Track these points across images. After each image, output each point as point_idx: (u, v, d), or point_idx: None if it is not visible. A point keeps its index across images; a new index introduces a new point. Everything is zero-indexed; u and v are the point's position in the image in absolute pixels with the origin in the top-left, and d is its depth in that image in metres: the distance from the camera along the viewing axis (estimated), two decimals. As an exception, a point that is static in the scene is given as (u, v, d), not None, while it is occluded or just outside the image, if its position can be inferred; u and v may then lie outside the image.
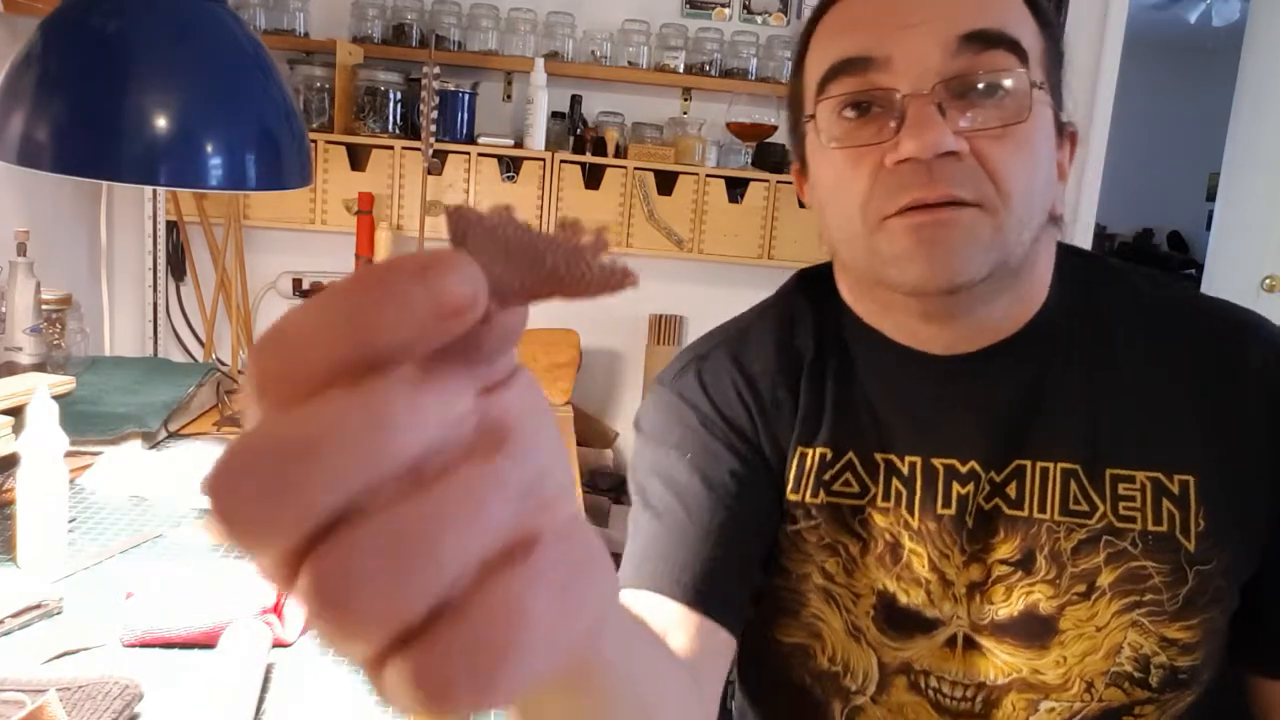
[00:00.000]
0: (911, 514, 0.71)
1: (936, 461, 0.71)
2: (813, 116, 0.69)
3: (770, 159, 2.66)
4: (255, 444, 0.20)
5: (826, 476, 0.73)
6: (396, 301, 0.21)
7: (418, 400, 0.21)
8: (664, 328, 2.77)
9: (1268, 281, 2.71)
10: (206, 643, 0.87)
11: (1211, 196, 3.50)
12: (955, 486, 0.70)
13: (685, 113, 2.75)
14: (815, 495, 0.73)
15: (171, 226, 2.61)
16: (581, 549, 0.24)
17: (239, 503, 0.20)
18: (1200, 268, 3.72)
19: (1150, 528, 0.68)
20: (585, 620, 0.24)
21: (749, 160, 2.69)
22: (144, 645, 0.88)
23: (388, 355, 0.21)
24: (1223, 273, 2.93)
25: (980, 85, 0.64)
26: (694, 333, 2.79)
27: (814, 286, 0.80)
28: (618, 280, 0.24)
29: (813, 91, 0.69)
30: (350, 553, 0.20)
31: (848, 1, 0.69)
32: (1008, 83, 0.64)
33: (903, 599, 0.71)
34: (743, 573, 0.71)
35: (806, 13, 0.80)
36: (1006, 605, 0.70)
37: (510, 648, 0.21)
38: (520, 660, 0.21)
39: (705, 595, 0.67)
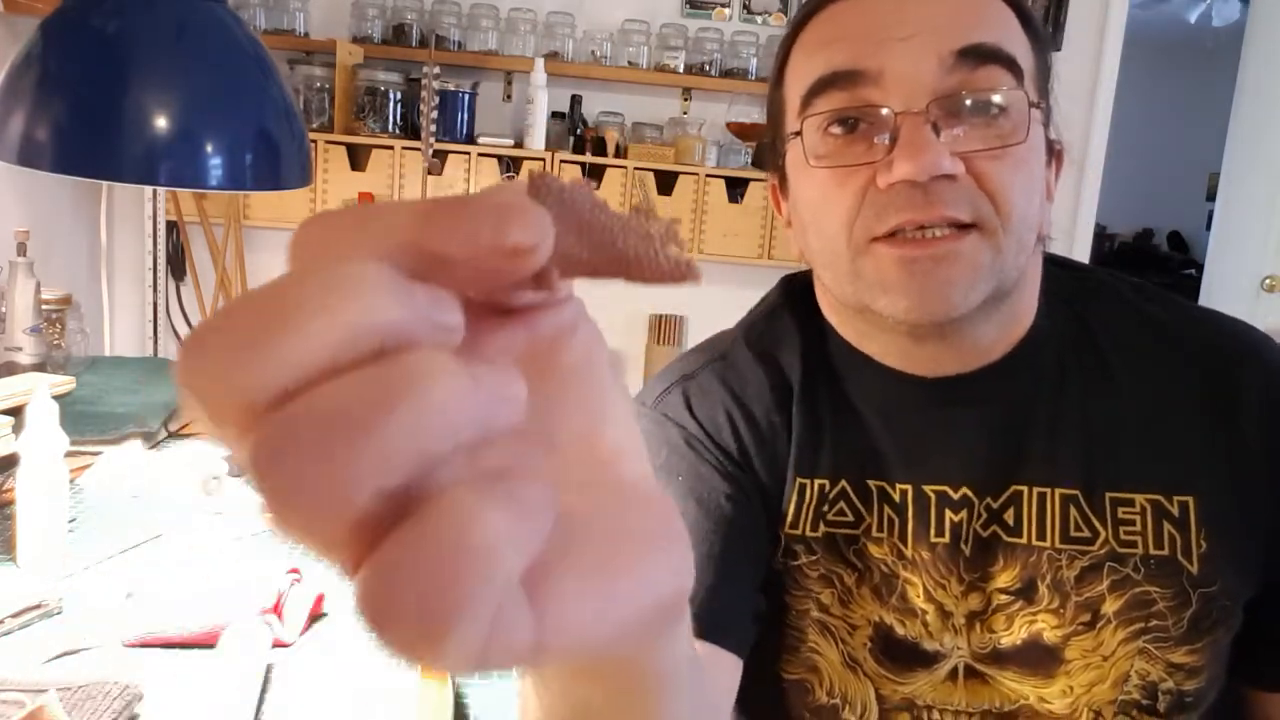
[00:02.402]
0: (904, 543, 0.69)
1: (928, 488, 0.68)
2: (798, 133, 0.65)
3: (770, 159, 2.67)
4: (239, 301, 0.19)
5: (824, 508, 0.70)
6: (463, 221, 0.21)
7: (398, 285, 0.20)
8: (664, 328, 2.78)
9: (1268, 281, 2.71)
10: (206, 643, 0.87)
11: (1211, 196, 3.50)
12: (948, 514, 0.68)
13: (685, 113, 2.75)
14: (815, 529, 0.70)
15: (171, 226, 2.61)
16: (619, 518, 0.22)
17: (200, 357, 0.19)
18: (1200, 268, 3.72)
19: (1152, 551, 0.66)
20: (608, 598, 0.21)
21: (749, 160, 2.69)
22: (144, 645, 0.88)
23: (431, 265, 0.21)
24: (1223, 273, 2.93)
25: (976, 103, 0.61)
26: (694, 333, 2.79)
27: (800, 300, 0.76)
28: (682, 273, 0.24)
29: (796, 106, 0.66)
30: (291, 418, 0.18)
31: (833, 10, 0.65)
32: (1004, 101, 0.61)
33: (899, 630, 0.69)
34: (745, 596, 0.68)
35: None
36: (1009, 634, 0.68)
37: (457, 559, 0.18)
38: (472, 582, 0.18)
39: (708, 623, 0.63)
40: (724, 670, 0.65)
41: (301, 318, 0.19)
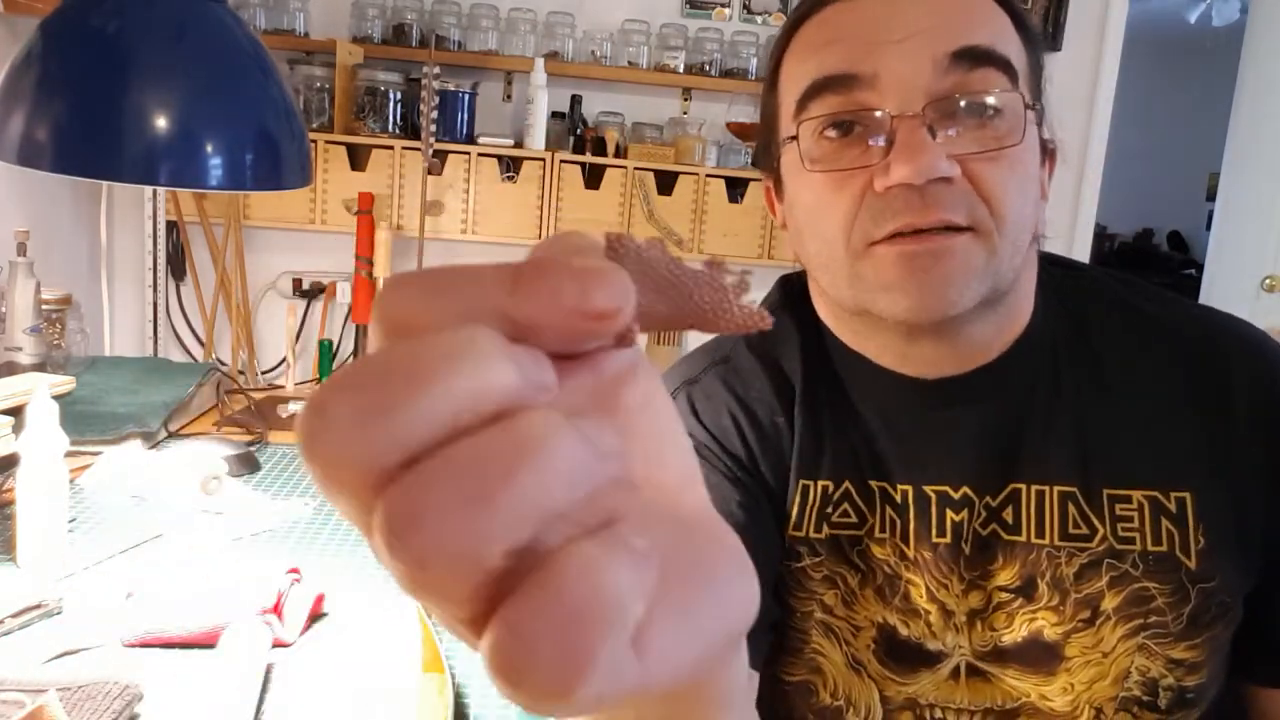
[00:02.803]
0: (907, 544, 0.69)
1: (928, 489, 0.69)
2: (793, 138, 0.65)
3: (770, 159, 2.67)
4: (356, 368, 0.20)
5: (828, 509, 0.70)
6: (547, 288, 0.21)
7: (507, 350, 0.21)
8: (664, 328, 2.78)
9: (1268, 281, 2.71)
10: (206, 643, 0.87)
11: (1211, 196, 3.50)
12: (949, 514, 0.68)
13: (685, 113, 2.75)
14: (819, 530, 0.70)
15: (171, 226, 2.61)
16: (693, 553, 0.23)
17: (326, 425, 0.20)
18: (1200, 268, 3.72)
19: (1150, 548, 0.66)
20: (693, 632, 0.22)
21: (749, 160, 2.69)
22: (144, 645, 0.88)
23: (518, 328, 0.22)
24: (1223, 273, 2.93)
25: (971, 105, 0.61)
26: (694, 332, 2.78)
27: (798, 300, 0.76)
28: (753, 322, 0.26)
29: (790, 110, 0.66)
30: (425, 480, 0.19)
31: (826, 14, 0.65)
32: (999, 103, 0.61)
33: (903, 631, 0.69)
34: (762, 608, 0.68)
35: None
36: (1010, 632, 0.68)
37: (591, 615, 0.19)
38: (604, 635, 0.19)
39: None
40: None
41: (427, 382, 0.20)
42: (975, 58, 0.61)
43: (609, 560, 0.20)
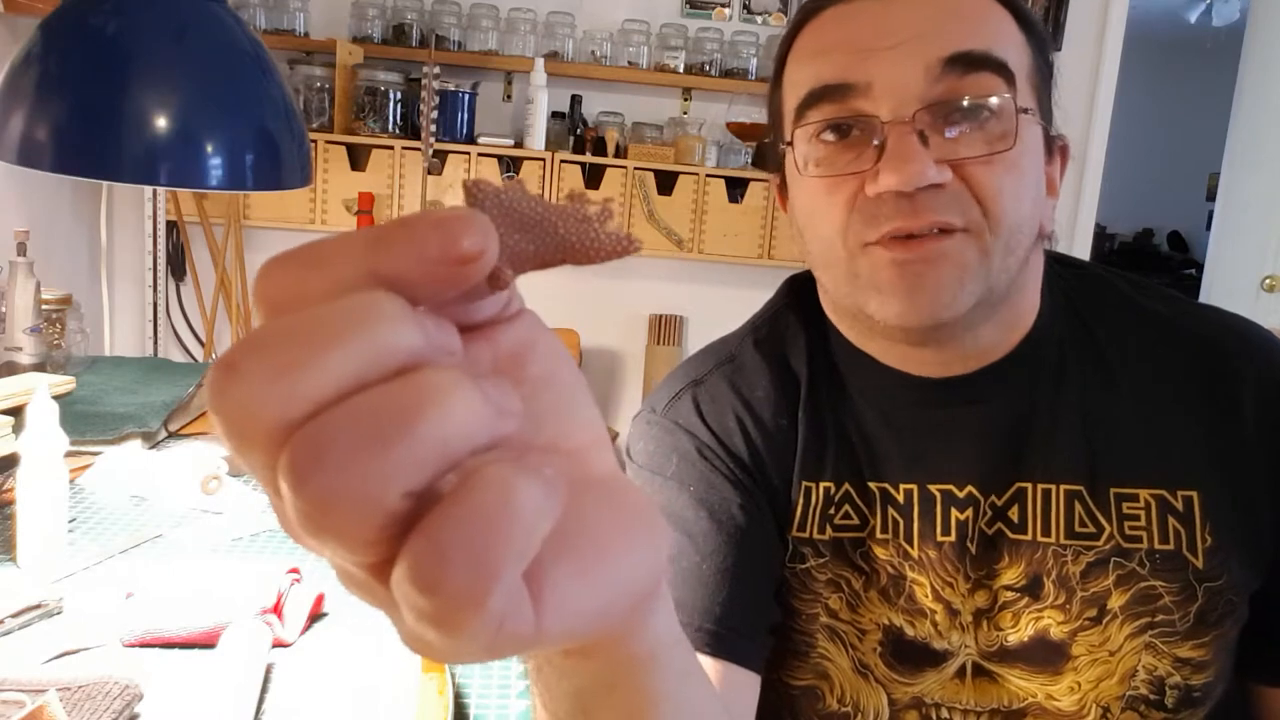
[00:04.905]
0: (910, 543, 0.69)
1: (933, 488, 0.69)
2: (791, 143, 0.66)
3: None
4: (264, 330, 0.21)
5: (830, 511, 0.70)
6: (410, 241, 0.22)
7: (411, 313, 0.22)
8: (664, 328, 2.78)
9: (1268, 281, 2.71)
10: (206, 643, 0.87)
11: (1211, 196, 3.50)
12: (954, 512, 0.68)
13: (685, 113, 2.75)
14: (822, 531, 0.70)
15: (171, 226, 2.61)
16: (596, 511, 0.24)
17: (236, 380, 0.21)
18: (1200, 268, 3.72)
19: (1157, 546, 0.66)
20: (591, 586, 0.23)
21: (749, 160, 2.69)
22: (144, 645, 0.88)
23: (392, 287, 0.22)
24: (1223, 273, 2.93)
25: (964, 110, 0.61)
26: (693, 332, 2.79)
27: (804, 300, 0.76)
28: (623, 247, 0.26)
29: (791, 116, 0.67)
30: (328, 427, 0.20)
31: (824, 18, 0.66)
32: (993, 107, 0.61)
33: (909, 631, 0.69)
34: (760, 608, 0.68)
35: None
36: (1016, 631, 0.68)
37: (502, 524, 0.20)
38: (515, 544, 0.21)
39: (728, 641, 0.64)
40: (743, 689, 0.65)
41: (335, 340, 0.21)
42: (969, 62, 0.61)
43: (519, 477, 0.21)
